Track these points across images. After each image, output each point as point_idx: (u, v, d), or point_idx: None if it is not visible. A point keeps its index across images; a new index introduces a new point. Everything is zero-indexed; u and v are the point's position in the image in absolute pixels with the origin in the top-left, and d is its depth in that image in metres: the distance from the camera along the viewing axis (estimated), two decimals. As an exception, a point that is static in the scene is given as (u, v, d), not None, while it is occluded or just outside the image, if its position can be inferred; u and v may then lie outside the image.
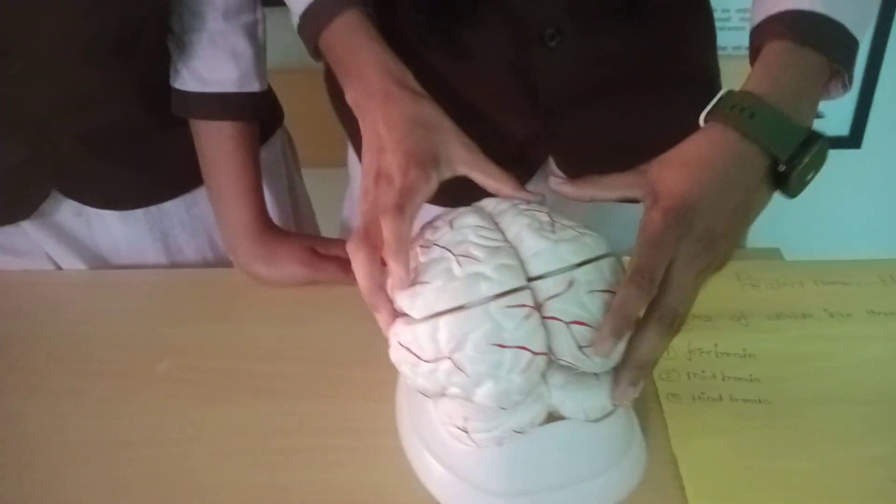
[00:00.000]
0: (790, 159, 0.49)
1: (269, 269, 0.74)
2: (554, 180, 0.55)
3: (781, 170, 0.49)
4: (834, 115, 1.39)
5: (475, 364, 0.44)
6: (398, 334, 0.48)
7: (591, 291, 0.45)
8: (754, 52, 0.55)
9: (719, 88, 0.76)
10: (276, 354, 0.66)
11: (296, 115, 0.94)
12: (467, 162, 0.55)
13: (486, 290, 0.45)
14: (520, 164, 0.73)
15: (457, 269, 0.46)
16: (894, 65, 1.35)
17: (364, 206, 0.55)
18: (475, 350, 0.44)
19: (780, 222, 1.48)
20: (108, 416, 0.60)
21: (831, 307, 0.66)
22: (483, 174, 0.55)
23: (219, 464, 0.56)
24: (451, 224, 0.50)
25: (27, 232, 0.80)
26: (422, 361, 0.46)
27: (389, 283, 0.49)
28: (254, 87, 0.75)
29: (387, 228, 0.49)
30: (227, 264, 0.81)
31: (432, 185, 0.53)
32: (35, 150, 0.73)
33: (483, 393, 0.45)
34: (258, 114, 0.77)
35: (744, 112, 0.49)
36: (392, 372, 0.50)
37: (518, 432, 0.47)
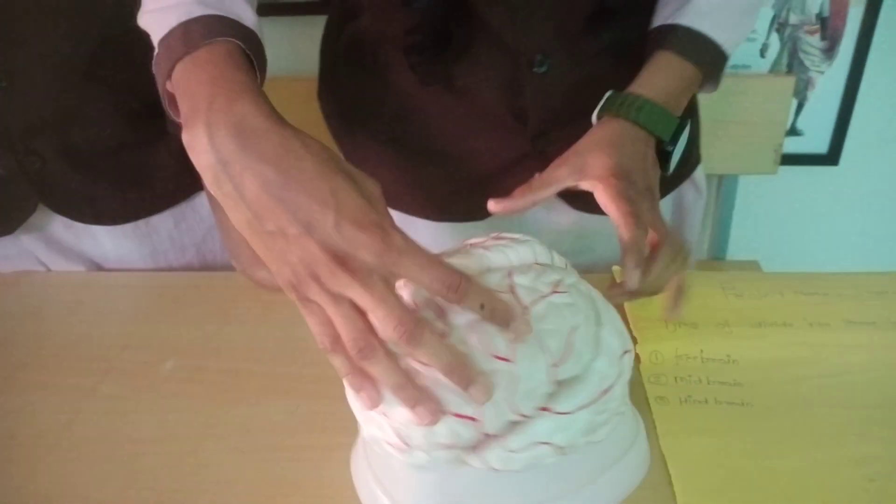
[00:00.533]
0: (671, 140, 0.63)
1: (272, 274, 0.76)
2: (492, 204, 0.61)
3: (669, 149, 0.64)
4: (813, 133, 1.42)
5: None
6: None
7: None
8: (646, 50, 0.67)
9: (695, 98, 0.80)
10: (276, 355, 0.68)
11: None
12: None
13: None
14: (507, 183, 0.76)
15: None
16: (873, 84, 1.39)
17: (319, 310, 0.44)
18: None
19: (759, 236, 1.53)
20: (117, 413, 0.62)
21: (811, 316, 0.70)
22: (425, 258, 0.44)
23: (227, 459, 0.58)
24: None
25: (20, 240, 0.80)
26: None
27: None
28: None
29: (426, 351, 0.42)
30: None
31: (400, 230, 0.43)
32: (22, 165, 0.73)
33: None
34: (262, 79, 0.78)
35: (632, 107, 0.62)
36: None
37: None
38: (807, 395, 0.61)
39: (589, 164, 0.60)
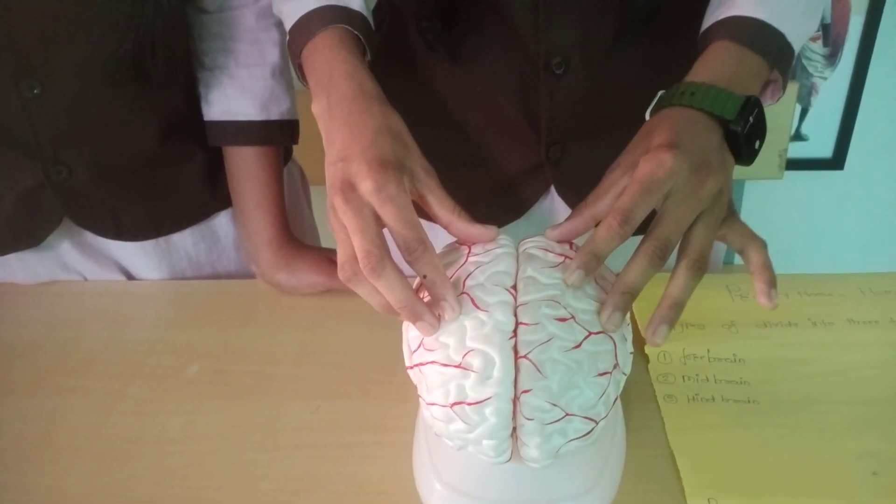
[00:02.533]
0: (736, 120, 0.52)
1: (290, 277, 0.79)
2: (548, 232, 0.54)
3: (736, 129, 0.52)
4: (817, 138, 1.44)
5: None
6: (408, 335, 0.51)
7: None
8: (701, 51, 0.59)
9: None
10: (298, 358, 0.71)
11: (304, 133, 0.98)
12: (424, 184, 0.53)
13: None
14: (521, 192, 0.77)
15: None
16: (876, 89, 1.41)
17: (337, 223, 0.51)
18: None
19: (767, 239, 1.54)
20: (145, 414, 0.65)
21: (814, 316, 0.71)
22: (438, 201, 0.53)
23: (252, 458, 0.60)
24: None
25: (57, 249, 0.82)
26: (414, 364, 0.50)
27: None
28: (274, 115, 0.79)
29: (426, 265, 0.48)
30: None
31: (404, 189, 0.50)
32: (49, 175, 0.75)
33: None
34: (281, 140, 0.81)
35: (684, 94, 0.54)
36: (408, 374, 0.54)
37: None
38: (811, 392, 0.63)
39: (641, 155, 0.52)
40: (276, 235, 0.80)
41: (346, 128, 0.53)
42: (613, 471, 0.55)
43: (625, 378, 0.51)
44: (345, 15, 0.62)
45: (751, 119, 0.53)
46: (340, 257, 0.50)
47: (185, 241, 0.85)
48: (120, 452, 0.61)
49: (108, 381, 0.68)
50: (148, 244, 0.83)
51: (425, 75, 0.75)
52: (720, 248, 0.90)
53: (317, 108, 0.57)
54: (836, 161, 1.46)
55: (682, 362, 0.67)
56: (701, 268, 0.50)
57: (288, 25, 0.64)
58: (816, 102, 1.41)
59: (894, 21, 1.35)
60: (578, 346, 0.47)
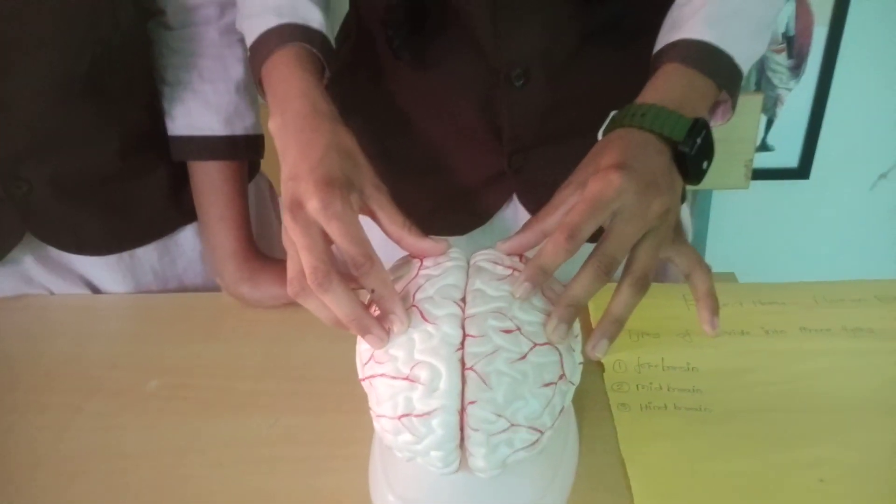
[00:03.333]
0: (685, 141, 0.54)
1: (254, 290, 0.79)
2: (499, 244, 0.55)
3: (684, 150, 0.54)
4: (783, 147, 1.46)
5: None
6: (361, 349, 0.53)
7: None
8: (652, 72, 0.61)
9: None
10: (260, 372, 0.71)
11: (271, 146, 0.98)
12: (375, 200, 0.54)
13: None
14: (484, 200, 0.78)
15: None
16: (840, 99, 1.43)
17: (288, 240, 0.52)
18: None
19: (735, 248, 1.56)
20: (105, 430, 0.64)
21: (767, 325, 0.73)
22: (387, 217, 0.54)
23: (211, 473, 0.60)
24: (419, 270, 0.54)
25: (21, 263, 0.82)
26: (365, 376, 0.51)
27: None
28: (238, 130, 0.80)
29: (373, 279, 0.49)
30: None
31: (350, 206, 0.51)
32: (9, 191, 0.74)
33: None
34: (245, 154, 0.82)
35: (634, 116, 0.55)
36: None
37: None
38: (762, 401, 0.64)
39: (591, 174, 0.53)
40: (240, 248, 0.81)
41: (296, 146, 0.55)
42: (564, 480, 0.56)
43: (573, 388, 0.52)
44: (303, 33, 0.64)
45: (699, 140, 0.54)
46: (289, 273, 0.51)
47: (149, 255, 0.85)
48: (76, 469, 0.61)
49: (67, 396, 0.68)
50: (112, 258, 0.83)
51: (391, 84, 0.76)
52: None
53: (272, 125, 0.59)
54: (802, 171, 1.48)
55: (637, 371, 0.68)
56: (643, 285, 0.51)
57: (249, 42, 0.66)
58: (782, 113, 1.43)
59: (857, 31, 1.38)
60: (524, 357, 0.48)
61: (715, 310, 0.55)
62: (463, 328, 0.49)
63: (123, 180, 0.80)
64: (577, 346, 0.53)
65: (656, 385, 0.66)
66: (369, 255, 0.50)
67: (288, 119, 0.58)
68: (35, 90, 0.71)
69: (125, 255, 0.84)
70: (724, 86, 0.59)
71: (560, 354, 0.50)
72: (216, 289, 0.86)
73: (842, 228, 1.58)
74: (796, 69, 1.39)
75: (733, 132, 1.31)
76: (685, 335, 0.71)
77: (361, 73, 0.79)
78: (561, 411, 0.51)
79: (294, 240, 0.51)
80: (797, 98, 1.42)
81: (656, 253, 0.52)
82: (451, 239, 0.80)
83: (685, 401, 0.64)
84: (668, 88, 0.58)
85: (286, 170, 0.54)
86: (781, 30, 1.36)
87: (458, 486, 0.53)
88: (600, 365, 0.68)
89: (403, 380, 0.48)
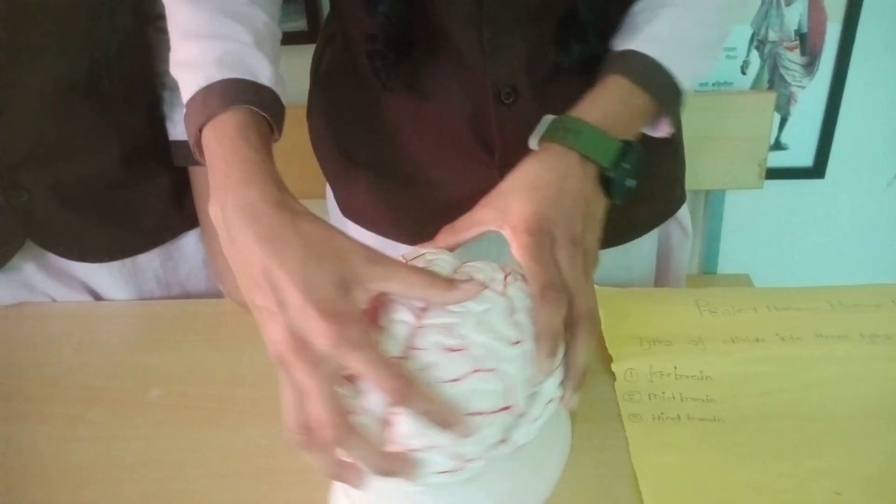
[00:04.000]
0: (613, 166, 0.57)
1: None
2: (414, 249, 0.55)
3: (610, 175, 0.57)
4: (798, 147, 1.44)
5: None
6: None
7: None
8: (600, 79, 0.62)
9: (678, 138, 0.80)
10: (260, 380, 0.69)
11: (277, 147, 0.97)
12: (381, 277, 0.47)
13: None
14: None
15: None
16: (855, 96, 1.41)
17: (288, 385, 0.47)
18: None
19: (749, 249, 1.54)
20: (106, 440, 0.64)
21: (783, 331, 0.71)
22: (402, 286, 0.47)
23: (212, 484, 0.59)
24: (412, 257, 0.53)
25: (21, 271, 0.81)
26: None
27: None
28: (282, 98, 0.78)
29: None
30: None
31: (363, 324, 0.46)
32: (9, 198, 0.74)
33: None
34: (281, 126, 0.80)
35: (568, 132, 0.57)
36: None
37: None
38: (776, 409, 0.63)
39: (510, 209, 0.55)
40: None
41: (259, 253, 0.46)
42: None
43: (535, 422, 0.50)
44: (251, 92, 0.56)
45: (625, 165, 0.58)
46: (292, 420, 0.46)
47: (152, 261, 0.85)
48: (77, 479, 0.60)
49: (68, 405, 0.68)
50: (114, 265, 0.82)
51: (379, 98, 0.75)
52: (681, 263, 0.89)
53: (211, 211, 0.51)
54: (817, 170, 1.46)
55: (649, 380, 0.66)
56: (596, 322, 0.55)
57: (185, 96, 0.57)
58: (795, 111, 1.41)
59: (871, 27, 1.35)
60: (457, 380, 0.46)
61: (576, 383, 0.54)
62: (413, 337, 0.47)
63: (125, 186, 0.79)
64: (552, 381, 0.51)
65: (669, 394, 0.64)
66: (403, 378, 0.44)
67: (230, 212, 0.49)
68: (34, 97, 0.70)
69: (127, 261, 0.83)
70: (664, 103, 0.61)
71: (506, 384, 0.47)
72: (219, 295, 0.85)
73: (858, 229, 1.55)
74: (810, 66, 1.37)
75: (747, 131, 1.29)
76: (698, 342, 0.70)
77: (349, 84, 0.77)
78: (501, 443, 0.49)
79: (301, 381, 0.45)
80: (811, 96, 1.40)
81: (592, 282, 0.55)
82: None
83: (698, 411, 0.63)
84: (606, 104, 0.60)
85: (259, 285, 0.47)
86: (794, 27, 1.34)
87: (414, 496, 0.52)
88: (611, 373, 0.67)
89: (346, 378, 0.47)
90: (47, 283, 0.83)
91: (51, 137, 0.73)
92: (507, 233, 0.54)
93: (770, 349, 0.69)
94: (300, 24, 1.34)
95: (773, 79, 1.38)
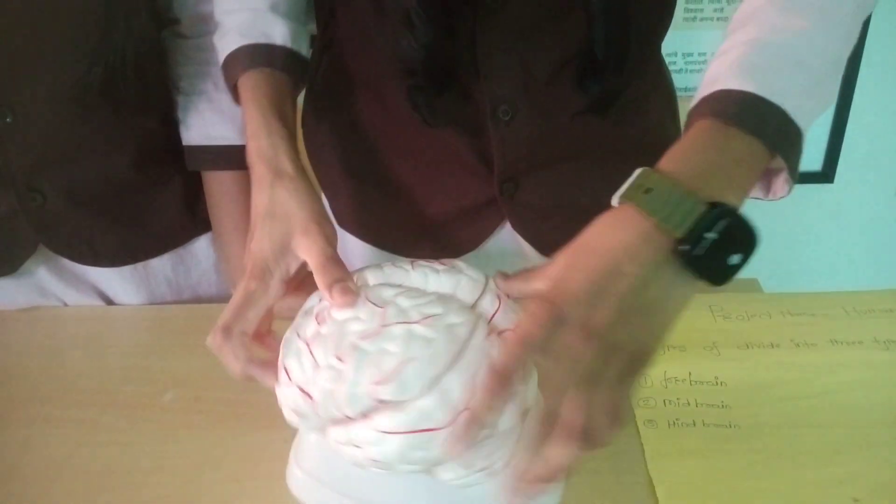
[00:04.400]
0: (689, 236, 0.42)
1: None
2: (498, 277, 0.52)
3: (682, 249, 0.43)
4: (806, 151, 1.44)
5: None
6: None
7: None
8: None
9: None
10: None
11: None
12: (305, 249, 0.56)
13: None
14: (476, 224, 0.76)
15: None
16: (864, 101, 1.41)
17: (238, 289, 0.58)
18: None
19: (758, 254, 1.53)
20: (121, 444, 0.64)
21: (797, 337, 0.71)
22: (313, 267, 0.55)
23: (224, 488, 0.59)
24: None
25: (34, 274, 0.81)
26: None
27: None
28: (303, 50, 0.76)
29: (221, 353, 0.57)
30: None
31: (271, 293, 0.57)
32: (23, 202, 0.74)
33: None
34: (305, 74, 0.80)
35: (640, 188, 0.44)
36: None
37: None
38: (792, 416, 0.63)
39: (561, 274, 0.45)
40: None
41: (253, 198, 0.60)
42: None
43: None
44: (265, 55, 0.66)
45: (709, 235, 0.42)
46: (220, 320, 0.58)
47: (164, 265, 0.85)
48: (91, 485, 0.60)
49: (82, 410, 0.67)
50: (126, 269, 0.82)
51: (377, 108, 0.75)
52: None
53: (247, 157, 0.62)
54: (826, 174, 1.46)
55: (664, 386, 0.66)
56: (589, 440, 0.42)
57: (220, 62, 0.68)
58: (805, 116, 1.41)
59: (881, 32, 1.35)
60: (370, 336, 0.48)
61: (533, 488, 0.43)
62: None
63: (138, 191, 0.79)
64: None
65: (683, 400, 0.64)
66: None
67: (251, 158, 0.61)
68: (49, 100, 0.70)
69: (139, 265, 0.83)
70: (777, 147, 0.46)
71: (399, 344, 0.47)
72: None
73: (867, 233, 1.55)
74: (820, 71, 1.37)
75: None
76: (712, 348, 0.70)
77: (346, 93, 0.77)
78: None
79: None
80: (820, 100, 1.40)
81: (609, 399, 0.42)
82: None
83: (713, 417, 0.63)
84: (692, 154, 0.46)
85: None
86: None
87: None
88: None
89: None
90: (59, 287, 0.83)
91: (65, 141, 0.73)
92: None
93: (785, 355, 0.69)
94: (310, 28, 1.34)
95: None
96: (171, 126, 0.79)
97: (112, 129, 0.75)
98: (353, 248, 0.82)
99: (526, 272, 0.50)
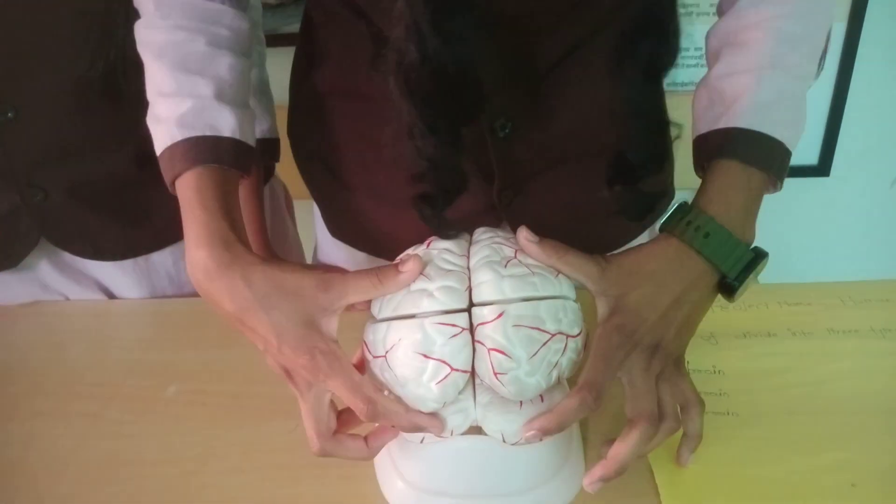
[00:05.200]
0: (738, 276, 0.54)
1: None
2: (523, 235, 0.54)
3: (735, 286, 0.54)
4: (803, 144, 1.44)
5: (401, 367, 0.49)
6: (365, 332, 0.53)
7: (516, 325, 0.49)
8: (700, 159, 0.58)
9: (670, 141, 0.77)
10: (276, 377, 0.69)
11: (286, 150, 0.97)
12: (337, 298, 0.51)
13: (427, 305, 0.50)
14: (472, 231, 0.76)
15: (412, 284, 0.51)
16: (860, 95, 1.41)
17: (306, 407, 0.54)
18: (404, 355, 0.49)
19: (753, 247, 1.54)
20: (123, 437, 0.64)
21: (795, 326, 0.71)
22: (358, 294, 0.52)
23: (230, 480, 0.59)
24: (428, 244, 0.56)
25: (35, 270, 0.82)
26: (371, 357, 0.52)
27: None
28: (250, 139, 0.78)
29: (390, 421, 0.51)
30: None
31: (335, 348, 0.51)
32: (25, 198, 0.74)
33: (405, 394, 0.50)
34: (261, 159, 0.81)
35: (699, 231, 0.53)
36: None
37: (437, 436, 0.52)
38: (790, 404, 0.63)
39: (613, 287, 0.53)
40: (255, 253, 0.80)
41: (235, 312, 0.53)
42: (573, 469, 0.56)
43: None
44: (210, 149, 0.59)
45: (751, 275, 0.54)
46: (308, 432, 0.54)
47: (165, 260, 0.85)
48: (96, 477, 0.60)
49: (86, 403, 0.68)
50: (127, 264, 0.83)
51: (374, 124, 0.73)
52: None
53: (187, 269, 0.56)
54: (822, 168, 1.47)
55: (662, 375, 0.67)
56: (665, 430, 0.54)
57: (158, 152, 0.60)
58: (800, 110, 1.42)
59: (876, 27, 1.36)
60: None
61: (695, 449, 0.57)
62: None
63: (139, 185, 0.79)
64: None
65: (682, 388, 0.65)
66: (370, 399, 0.50)
67: (196, 273, 0.54)
68: (51, 96, 0.71)
69: (140, 260, 0.83)
70: (779, 175, 0.57)
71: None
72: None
73: (862, 226, 1.56)
74: (815, 65, 1.38)
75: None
76: (710, 337, 0.70)
77: (341, 105, 0.74)
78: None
79: (302, 398, 0.54)
80: (816, 95, 1.40)
81: (674, 387, 0.55)
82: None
83: (712, 405, 0.63)
84: (732, 199, 0.55)
85: (249, 336, 0.55)
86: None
87: (466, 469, 0.54)
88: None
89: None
90: (61, 281, 0.83)
91: (67, 137, 0.73)
92: (599, 304, 0.53)
93: (782, 344, 0.69)
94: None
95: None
96: None
97: (114, 124, 0.75)
98: (346, 256, 0.82)
99: (569, 257, 0.53)
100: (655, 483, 0.56)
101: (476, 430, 0.53)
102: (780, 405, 0.63)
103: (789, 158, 0.57)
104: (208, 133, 0.58)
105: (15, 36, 0.67)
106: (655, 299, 0.52)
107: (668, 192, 0.81)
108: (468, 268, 0.53)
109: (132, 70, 0.71)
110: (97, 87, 0.70)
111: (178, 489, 0.59)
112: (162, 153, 0.59)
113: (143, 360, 0.73)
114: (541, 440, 0.51)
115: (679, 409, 0.55)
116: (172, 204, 0.81)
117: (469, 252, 0.55)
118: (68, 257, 0.82)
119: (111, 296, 0.86)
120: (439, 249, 0.54)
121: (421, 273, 0.52)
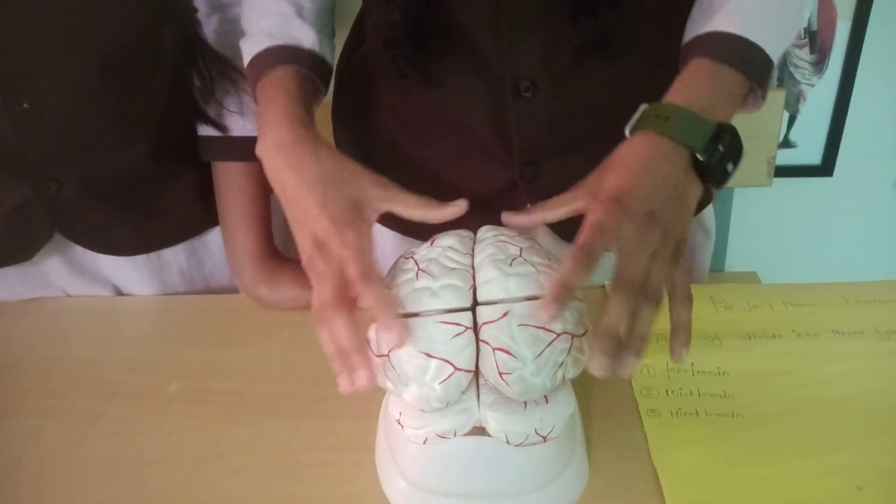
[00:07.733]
0: (706, 149, 0.54)
1: (272, 292, 0.78)
2: (505, 215, 0.58)
3: (702, 160, 0.54)
4: (806, 145, 1.44)
5: (404, 366, 0.49)
6: (369, 330, 0.53)
7: (521, 325, 0.48)
8: (682, 66, 0.60)
9: None
10: (280, 375, 0.70)
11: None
12: (385, 198, 0.58)
13: (431, 304, 0.49)
14: (496, 211, 0.77)
15: (415, 282, 0.51)
16: (864, 94, 1.41)
17: (314, 273, 0.55)
18: (407, 353, 0.49)
19: (757, 247, 1.54)
20: (124, 435, 0.64)
21: (799, 327, 0.71)
22: (402, 206, 0.58)
23: (232, 479, 0.59)
24: (433, 241, 0.56)
25: (41, 266, 0.82)
26: (375, 356, 0.52)
27: (382, 338, 0.51)
28: (328, 58, 0.76)
29: (369, 297, 0.51)
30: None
31: (368, 236, 0.56)
32: (38, 191, 0.74)
33: (408, 393, 0.50)
34: (326, 84, 0.80)
35: (658, 118, 0.55)
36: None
37: (441, 436, 0.52)
38: (794, 405, 0.63)
39: (596, 186, 0.55)
40: (260, 250, 0.80)
41: (291, 179, 0.58)
42: (576, 470, 0.56)
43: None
44: (293, 55, 0.66)
45: (720, 147, 0.55)
46: (315, 302, 0.54)
47: (177, 256, 0.85)
48: (97, 474, 0.60)
49: (87, 400, 0.68)
50: (139, 260, 0.83)
51: (400, 96, 0.75)
52: (703, 264, 0.89)
53: (257, 149, 0.62)
54: (825, 167, 1.46)
55: (666, 376, 0.67)
56: (645, 294, 0.51)
57: (245, 63, 0.68)
58: (804, 109, 1.41)
59: (881, 25, 1.35)
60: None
61: (686, 342, 0.55)
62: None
63: (153, 181, 0.79)
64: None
65: (686, 390, 0.65)
66: (368, 275, 0.52)
67: (269, 147, 0.60)
68: (66, 88, 0.71)
69: (153, 255, 0.83)
70: (755, 79, 0.58)
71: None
72: (237, 289, 0.85)
73: (866, 226, 1.55)
74: (819, 64, 1.37)
75: (756, 129, 1.29)
76: (714, 338, 0.70)
77: (370, 84, 0.78)
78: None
79: (321, 271, 0.54)
80: (820, 94, 1.40)
81: (666, 268, 0.53)
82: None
83: (716, 406, 0.63)
84: (695, 87, 0.57)
85: (291, 201, 0.58)
86: (804, 25, 1.34)
87: (470, 468, 0.53)
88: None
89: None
90: (71, 278, 0.83)
91: (81, 130, 0.73)
92: (589, 204, 0.54)
93: (787, 345, 0.69)
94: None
95: (781, 76, 1.38)
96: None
97: (129, 118, 0.75)
98: (378, 236, 0.82)
99: (556, 200, 0.57)
100: (660, 485, 0.56)
101: (479, 430, 0.52)
102: (784, 406, 0.63)
103: (770, 64, 0.59)
104: (290, 42, 0.67)
105: (31, 27, 0.67)
106: (633, 173, 0.53)
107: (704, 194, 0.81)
108: (472, 266, 0.53)
109: (144, 66, 0.71)
110: (111, 78, 0.70)
111: (179, 487, 0.59)
112: (250, 62, 0.67)
113: (146, 358, 0.73)
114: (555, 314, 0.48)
115: (667, 296, 0.55)
116: (185, 201, 0.82)
117: (473, 250, 0.55)
118: (80, 254, 0.81)
119: (121, 293, 0.86)
120: (443, 247, 0.54)
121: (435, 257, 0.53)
